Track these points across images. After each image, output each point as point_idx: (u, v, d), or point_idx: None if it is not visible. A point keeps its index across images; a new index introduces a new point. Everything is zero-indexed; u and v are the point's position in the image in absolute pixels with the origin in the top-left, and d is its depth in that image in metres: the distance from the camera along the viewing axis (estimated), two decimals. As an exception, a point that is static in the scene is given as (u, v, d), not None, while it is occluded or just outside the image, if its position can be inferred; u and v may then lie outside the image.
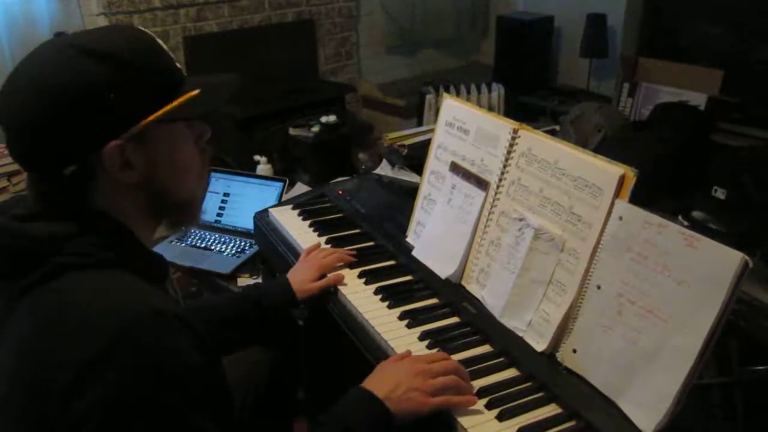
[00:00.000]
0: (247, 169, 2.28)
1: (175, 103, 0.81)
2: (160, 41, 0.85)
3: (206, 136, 0.90)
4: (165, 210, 0.89)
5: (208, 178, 0.96)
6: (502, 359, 1.08)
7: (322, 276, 1.29)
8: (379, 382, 0.97)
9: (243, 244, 1.99)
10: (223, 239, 2.02)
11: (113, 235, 0.81)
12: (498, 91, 3.70)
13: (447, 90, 3.27)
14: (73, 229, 0.78)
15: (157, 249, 0.93)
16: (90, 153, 0.78)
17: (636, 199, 0.99)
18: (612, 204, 1.01)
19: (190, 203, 0.91)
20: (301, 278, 1.29)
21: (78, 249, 0.77)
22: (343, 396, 0.96)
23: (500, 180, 1.22)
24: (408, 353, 1.06)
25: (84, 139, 0.77)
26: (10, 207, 0.83)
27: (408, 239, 1.42)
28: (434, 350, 1.09)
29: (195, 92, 0.82)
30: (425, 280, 1.30)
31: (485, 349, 1.11)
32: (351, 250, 1.38)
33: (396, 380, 0.96)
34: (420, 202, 1.42)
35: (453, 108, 1.36)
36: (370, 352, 1.12)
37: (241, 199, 2.10)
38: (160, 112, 0.80)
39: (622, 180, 1.01)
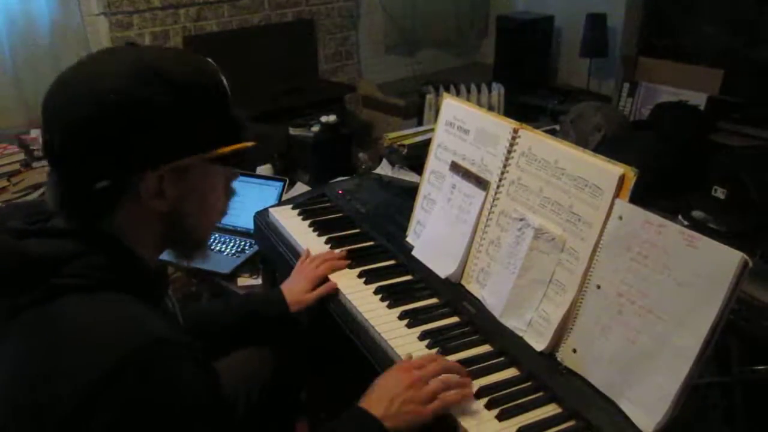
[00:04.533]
0: (246, 168, 2.28)
1: (232, 147, 0.83)
2: (224, 79, 0.84)
3: (234, 180, 0.91)
4: (178, 244, 0.88)
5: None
6: (502, 359, 1.08)
7: (317, 286, 1.29)
8: (376, 400, 0.95)
9: (243, 243, 1.99)
10: (223, 239, 2.02)
11: (117, 257, 0.78)
12: (498, 90, 3.70)
13: (447, 90, 3.28)
14: (73, 249, 0.75)
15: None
16: (130, 173, 0.76)
17: (636, 199, 0.99)
18: (612, 204, 1.01)
19: (203, 242, 0.91)
20: (294, 291, 1.29)
21: (78, 271, 0.74)
22: (342, 415, 0.95)
23: (500, 180, 1.22)
24: (404, 360, 1.05)
25: (130, 157, 0.75)
26: (5, 217, 0.80)
27: (408, 239, 1.42)
28: (434, 350, 1.09)
29: (251, 144, 0.85)
30: (425, 279, 1.29)
31: (485, 348, 1.11)
32: (344, 251, 1.37)
33: (389, 396, 0.95)
34: (420, 201, 1.42)
35: (453, 108, 1.35)
36: (370, 352, 1.12)
37: (241, 198, 2.09)
38: (215, 153, 0.81)
39: (622, 180, 1.00)
